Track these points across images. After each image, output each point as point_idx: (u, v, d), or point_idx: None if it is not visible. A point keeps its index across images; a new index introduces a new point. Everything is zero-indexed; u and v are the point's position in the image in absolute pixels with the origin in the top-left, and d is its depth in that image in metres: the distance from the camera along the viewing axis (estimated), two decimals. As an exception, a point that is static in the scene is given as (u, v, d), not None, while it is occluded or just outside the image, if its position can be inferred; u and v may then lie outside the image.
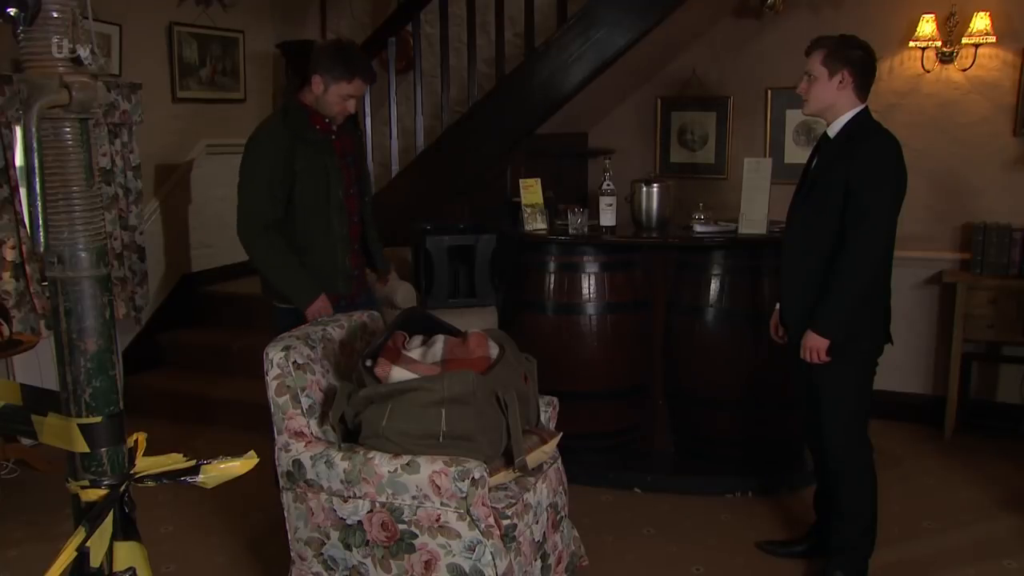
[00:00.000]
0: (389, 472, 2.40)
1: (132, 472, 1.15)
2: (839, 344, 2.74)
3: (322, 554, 2.58)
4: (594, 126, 5.18)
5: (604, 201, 3.72)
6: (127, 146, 4.71)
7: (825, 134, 2.85)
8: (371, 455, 2.45)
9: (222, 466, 1.21)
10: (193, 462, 1.20)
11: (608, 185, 3.74)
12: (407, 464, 2.39)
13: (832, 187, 2.72)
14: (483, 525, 2.39)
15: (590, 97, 4.58)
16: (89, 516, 1.09)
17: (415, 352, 2.61)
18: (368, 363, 2.53)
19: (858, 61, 2.74)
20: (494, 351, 2.65)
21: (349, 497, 2.47)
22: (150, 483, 1.17)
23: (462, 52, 4.99)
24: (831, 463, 2.92)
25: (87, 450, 1.11)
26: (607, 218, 3.74)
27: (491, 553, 2.39)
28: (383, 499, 2.43)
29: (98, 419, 1.10)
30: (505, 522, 2.47)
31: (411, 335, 2.71)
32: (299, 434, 2.57)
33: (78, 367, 1.08)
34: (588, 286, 3.79)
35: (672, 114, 4.98)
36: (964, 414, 4.39)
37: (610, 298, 3.79)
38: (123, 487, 1.14)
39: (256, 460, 1.14)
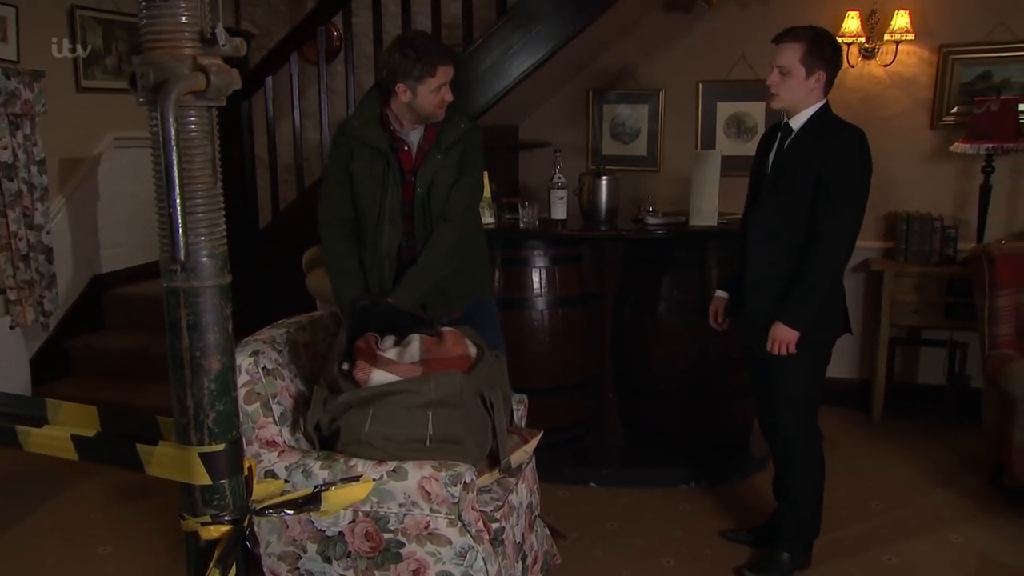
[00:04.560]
0: (374, 480, 2.28)
1: (252, 504, 1.01)
2: (806, 336, 2.77)
3: (298, 568, 2.43)
4: (525, 119, 5.13)
5: (556, 194, 3.68)
6: (30, 139, 4.35)
7: (787, 125, 2.83)
8: (353, 463, 2.33)
9: (341, 492, 1.09)
10: (310, 490, 1.07)
11: (559, 178, 3.70)
12: (393, 471, 2.28)
13: (801, 181, 2.72)
14: (474, 530, 2.31)
15: (522, 90, 4.52)
16: (220, 556, 0.95)
17: (391, 353, 2.49)
18: (345, 367, 2.41)
19: (833, 59, 2.74)
20: (472, 350, 2.57)
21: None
22: (272, 515, 1.04)
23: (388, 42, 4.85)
24: (782, 449, 2.97)
25: (209, 482, 0.97)
26: (559, 211, 3.69)
27: (483, 558, 2.31)
28: (367, 508, 2.31)
29: (221, 446, 0.95)
30: (494, 525, 2.40)
31: (382, 335, 2.58)
32: (271, 443, 2.42)
33: (201, 389, 0.93)
34: (539, 280, 3.74)
35: (604, 107, 4.98)
36: (889, 397, 4.57)
37: (560, 292, 3.76)
38: (246, 521, 1.00)
39: (372, 483, 1.02)
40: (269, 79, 4.49)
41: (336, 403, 2.38)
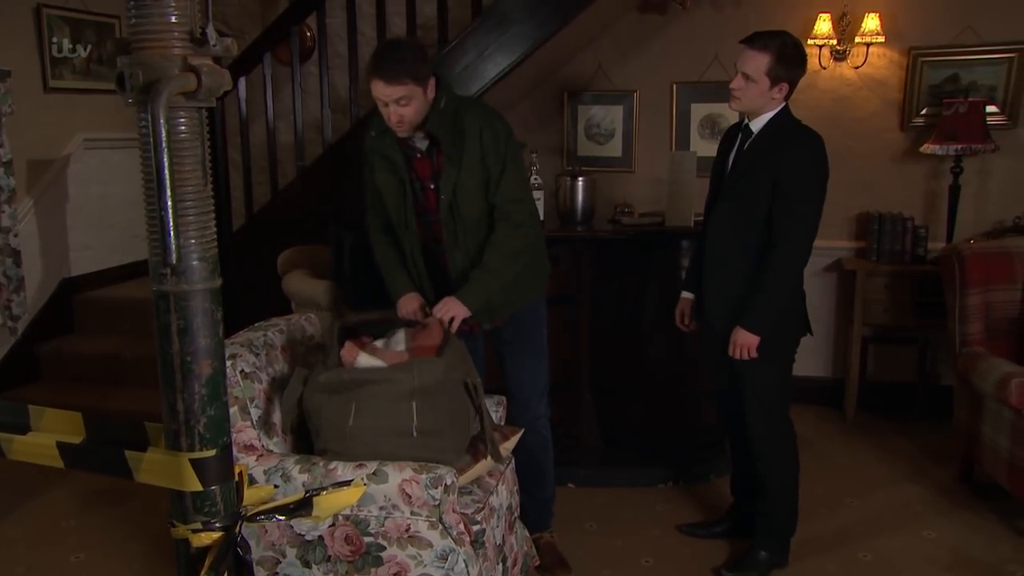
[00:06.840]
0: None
1: (243, 510, 0.99)
2: (767, 339, 2.79)
3: (277, 573, 2.41)
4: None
5: (533, 195, 3.66)
6: (-4, 140, 4.28)
7: (747, 127, 2.85)
8: (332, 465, 2.31)
9: (333, 496, 1.07)
10: (302, 494, 1.06)
11: (535, 179, 3.70)
12: (373, 473, 2.27)
13: (759, 184, 2.74)
14: (455, 532, 2.31)
15: (497, 91, 4.52)
16: (211, 564, 0.93)
17: (378, 342, 2.50)
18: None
19: (798, 71, 2.75)
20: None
21: (309, 512, 2.32)
22: (263, 521, 1.02)
23: (362, 45, 4.82)
24: (756, 451, 2.99)
25: (200, 488, 0.95)
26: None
27: (464, 561, 2.30)
28: (347, 511, 2.30)
29: (212, 452, 0.93)
30: (475, 527, 2.40)
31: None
32: (249, 447, 2.40)
33: (192, 393, 0.92)
34: (516, 281, 3.73)
35: (579, 108, 4.99)
36: (862, 394, 4.62)
37: (538, 293, 3.75)
38: (238, 528, 0.98)
39: (364, 488, 1.01)
40: (242, 80, 4.45)
41: (317, 382, 2.36)
